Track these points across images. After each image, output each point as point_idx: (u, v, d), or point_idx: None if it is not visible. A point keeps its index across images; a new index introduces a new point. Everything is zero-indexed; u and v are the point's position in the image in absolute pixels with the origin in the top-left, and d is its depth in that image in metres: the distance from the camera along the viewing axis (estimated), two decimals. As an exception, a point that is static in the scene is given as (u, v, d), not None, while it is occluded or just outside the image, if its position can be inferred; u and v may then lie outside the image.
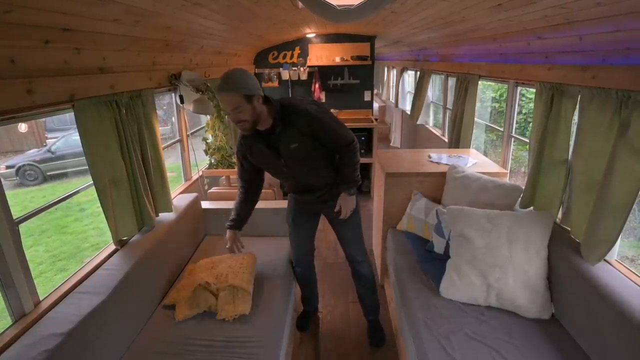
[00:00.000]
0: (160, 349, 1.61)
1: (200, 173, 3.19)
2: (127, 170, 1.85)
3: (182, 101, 2.67)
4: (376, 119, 5.31)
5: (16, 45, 1.22)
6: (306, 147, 1.80)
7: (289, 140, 1.76)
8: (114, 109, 1.76)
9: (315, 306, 2.56)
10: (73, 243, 5.54)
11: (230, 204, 2.76)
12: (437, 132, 4.69)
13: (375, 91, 7.81)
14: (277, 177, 2.03)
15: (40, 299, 1.47)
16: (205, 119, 3.41)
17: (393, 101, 7.41)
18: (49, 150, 8.09)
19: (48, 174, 7.93)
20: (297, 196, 2.10)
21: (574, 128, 1.84)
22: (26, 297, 1.37)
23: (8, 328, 1.30)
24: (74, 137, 7.98)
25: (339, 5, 2.31)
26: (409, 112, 5.63)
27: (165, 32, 2.09)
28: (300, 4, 2.46)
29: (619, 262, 1.67)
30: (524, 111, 5.68)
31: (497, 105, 6.67)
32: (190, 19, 2.10)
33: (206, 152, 3.30)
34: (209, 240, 2.62)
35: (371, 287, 2.31)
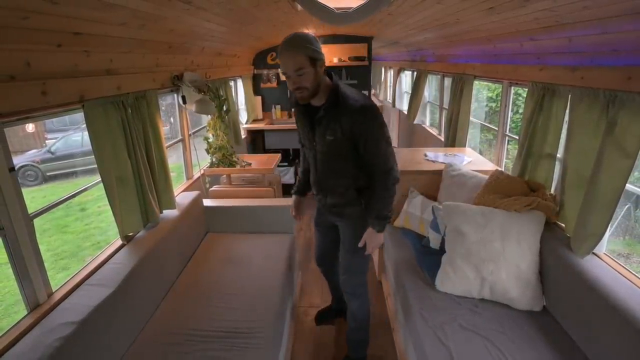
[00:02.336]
0: (164, 340, 1.67)
1: (202, 172, 3.25)
2: (132, 168, 1.90)
3: (184, 101, 2.73)
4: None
5: (31, 49, 1.28)
6: (338, 146, 1.62)
7: (327, 130, 1.60)
8: (121, 109, 1.82)
9: (341, 306, 2.41)
10: (74, 242, 5.58)
11: (230, 202, 2.84)
12: (434, 131, 4.75)
13: (372, 91, 7.89)
14: (308, 157, 1.86)
15: (53, 290, 1.53)
16: (206, 118, 3.47)
17: (390, 101, 7.48)
18: (48, 151, 8.09)
19: (48, 174, 7.93)
20: (315, 196, 1.91)
21: (565, 127, 1.92)
22: (40, 288, 1.44)
23: (24, 317, 1.37)
24: (74, 137, 7.97)
25: (337, 8, 2.38)
26: (406, 112, 5.70)
27: (168, 34, 2.15)
28: (299, 7, 2.52)
29: (607, 255, 1.73)
30: (520, 111, 5.74)
31: (493, 105, 6.75)
32: (194, 22, 2.16)
33: (207, 151, 3.36)
34: (210, 237, 2.68)
35: (356, 328, 2.02)
